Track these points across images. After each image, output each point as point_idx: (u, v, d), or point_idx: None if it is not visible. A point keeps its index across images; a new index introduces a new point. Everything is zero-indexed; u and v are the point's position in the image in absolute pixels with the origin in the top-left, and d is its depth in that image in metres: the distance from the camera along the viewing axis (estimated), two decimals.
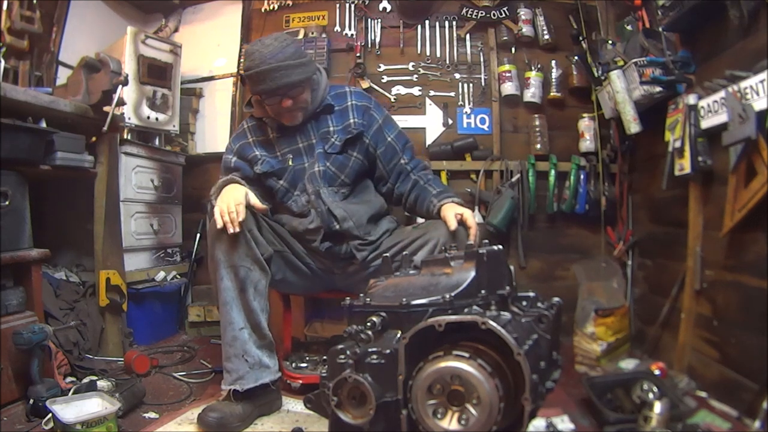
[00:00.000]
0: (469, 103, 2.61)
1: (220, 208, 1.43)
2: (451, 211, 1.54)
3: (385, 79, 2.64)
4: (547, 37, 2.51)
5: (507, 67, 2.52)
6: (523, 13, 2.53)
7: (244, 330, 1.49)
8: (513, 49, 2.58)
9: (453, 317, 0.86)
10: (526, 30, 2.52)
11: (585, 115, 2.46)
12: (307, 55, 1.70)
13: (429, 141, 2.60)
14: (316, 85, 1.68)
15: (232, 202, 1.43)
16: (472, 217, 1.54)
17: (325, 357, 1.01)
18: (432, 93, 2.63)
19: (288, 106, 1.60)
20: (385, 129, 1.75)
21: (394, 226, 1.77)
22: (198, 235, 2.75)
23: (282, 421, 1.52)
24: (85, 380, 1.64)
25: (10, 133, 1.57)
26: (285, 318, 1.92)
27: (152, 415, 1.57)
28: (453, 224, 1.50)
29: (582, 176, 2.41)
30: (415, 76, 2.64)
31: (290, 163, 1.69)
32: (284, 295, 1.92)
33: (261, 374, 1.51)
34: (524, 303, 1.00)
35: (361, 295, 1.05)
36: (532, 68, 2.51)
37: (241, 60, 2.76)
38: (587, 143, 2.45)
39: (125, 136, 2.31)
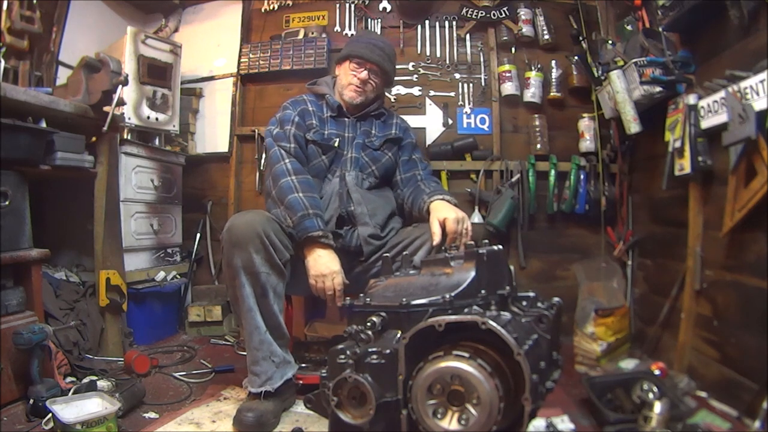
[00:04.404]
0: (469, 103, 2.61)
1: (320, 283, 1.53)
2: (435, 217, 1.55)
3: None
4: (547, 37, 2.51)
5: (507, 67, 2.52)
6: (523, 13, 2.53)
7: (268, 333, 1.53)
8: (513, 49, 2.58)
9: (453, 317, 0.86)
10: (526, 30, 2.52)
11: (585, 115, 2.46)
12: None
13: (429, 141, 2.60)
14: (383, 92, 1.97)
15: (329, 276, 1.53)
16: (455, 222, 1.52)
17: (325, 357, 1.01)
18: (432, 93, 2.63)
19: (364, 78, 1.81)
20: (415, 149, 1.95)
21: (399, 225, 1.80)
22: (198, 235, 2.75)
23: (282, 421, 1.53)
24: (85, 380, 1.64)
25: (10, 133, 1.57)
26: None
27: (152, 415, 1.57)
28: (437, 238, 1.52)
29: (582, 176, 2.41)
30: (415, 76, 2.64)
31: (336, 145, 1.77)
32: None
33: (285, 370, 1.56)
34: (524, 303, 1.00)
35: (361, 295, 1.05)
36: (532, 68, 2.51)
37: (242, 60, 2.76)
38: (587, 143, 2.45)
39: (125, 136, 2.31)
